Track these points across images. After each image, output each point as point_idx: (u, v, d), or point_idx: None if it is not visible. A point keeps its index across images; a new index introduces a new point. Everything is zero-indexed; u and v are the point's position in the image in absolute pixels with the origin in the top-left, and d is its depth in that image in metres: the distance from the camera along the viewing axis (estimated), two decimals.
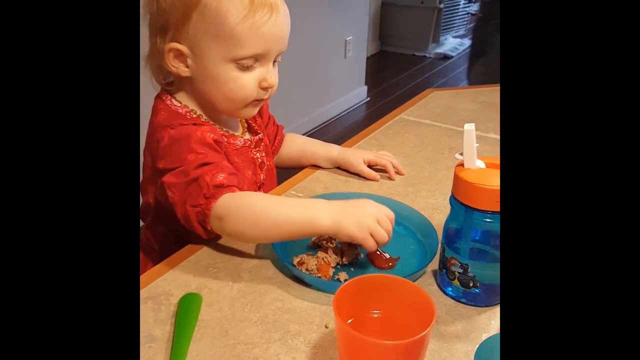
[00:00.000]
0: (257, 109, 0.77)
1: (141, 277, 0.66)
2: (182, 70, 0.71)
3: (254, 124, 0.84)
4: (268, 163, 0.85)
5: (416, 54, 4.01)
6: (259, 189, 0.83)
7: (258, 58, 0.70)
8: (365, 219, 0.63)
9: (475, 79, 1.91)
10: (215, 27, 0.67)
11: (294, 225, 0.64)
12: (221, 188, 0.65)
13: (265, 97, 0.74)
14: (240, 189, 0.67)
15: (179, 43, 0.69)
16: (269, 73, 0.72)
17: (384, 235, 0.64)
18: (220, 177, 0.65)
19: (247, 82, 0.71)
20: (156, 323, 0.58)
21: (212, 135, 0.70)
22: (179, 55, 0.70)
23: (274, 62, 0.73)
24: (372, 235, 0.63)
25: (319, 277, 0.64)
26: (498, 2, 1.72)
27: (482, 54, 1.87)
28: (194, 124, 0.71)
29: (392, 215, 0.66)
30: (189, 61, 0.70)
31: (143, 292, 0.63)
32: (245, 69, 0.70)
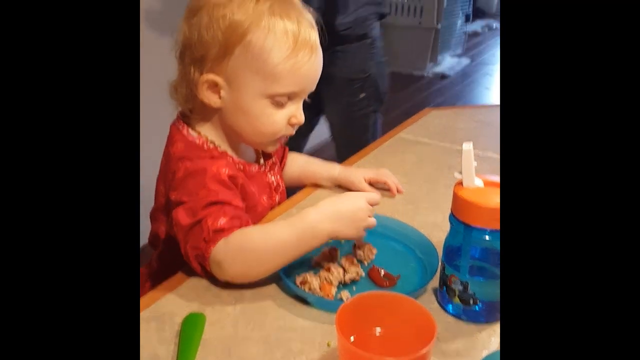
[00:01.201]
0: (279, 144, 0.79)
1: (144, 297, 0.66)
2: (213, 101, 0.71)
3: None
4: (282, 185, 0.86)
5: (414, 73, 4.05)
6: (271, 210, 0.84)
7: (292, 96, 0.72)
8: (360, 222, 0.68)
9: None
10: (257, 64, 0.68)
11: (295, 248, 0.65)
12: (220, 233, 0.64)
13: (292, 133, 0.76)
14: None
15: (216, 75, 0.70)
16: (299, 110, 0.73)
17: (374, 223, 0.69)
18: (222, 222, 0.65)
19: (278, 119, 0.72)
20: (160, 343, 0.59)
21: (227, 171, 0.70)
22: (213, 86, 0.71)
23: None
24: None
25: (322, 296, 0.65)
26: None
27: None
28: (211, 157, 0.72)
29: (377, 198, 0.71)
30: (223, 93, 0.71)
31: (147, 313, 0.63)
32: (279, 105, 0.71)
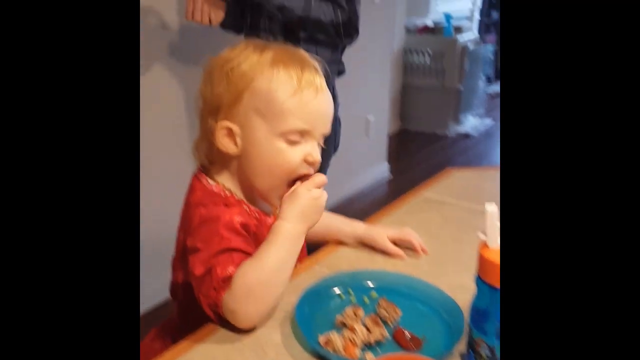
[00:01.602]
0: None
1: (167, 352, 0.66)
2: (231, 148, 0.75)
3: None
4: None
5: (437, 132, 4.09)
6: None
7: (304, 134, 0.74)
8: (321, 206, 0.74)
9: None
10: (265, 105, 0.72)
11: (288, 260, 0.70)
12: (228, 280, 0.67)
13: (310, 172, 0.76)
14: None
15: (231, 122, 0.74)
16: (315, 149, 0.75)
17: (325, 181, 0.75)
18: (230, 270, 0.68)
19: (293, 157, 0.74)
20: None
21: (240, 219, 0.73)
22: (230, 134, 0.74)
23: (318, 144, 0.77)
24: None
25: (346, 357, 0.64)
26: None
27: None
28: (225, 205, 0.74)
29: (323, 179, 0.75)
30: (238, 139, 0.74)
31: None
32: (292, 143, 0.74)
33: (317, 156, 0.75)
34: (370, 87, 3.03)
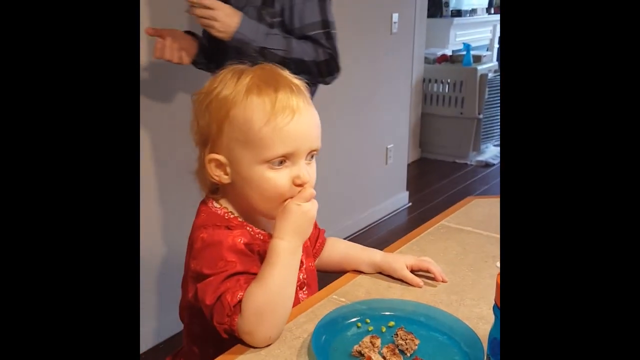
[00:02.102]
0: None
1: None
2: (223, 178, 0.77)
3: None
4: (309, 264, 0.87)
5: (457, 161, 4.07)
6: (300, 289, 0.84)
7: (288, 157, 0.74)
8: (312, 219, 0.74)
9: None
10: (243, 134, 0.73)
11: (290, 274, 0.72)
12: (240, 306, 0.69)
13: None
14: None
15: (217, 153, 0.76)
16: (302, 170, 0.75)
17: (313, 194, 0.74)
18: (239, 296, 0.70)
19: (279, 181, 0.74)
20: None
21: (243, 240, 0.74)
22: (219, 165, 0.76)
23: (312, 157, 0.77)
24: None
25: None
26: None
27: None
28: (228, 227, 0.75)
29: (310, 192, 0.74)
30: (228, 169, 0.76)
31: None
32: (277, 168, 0.74)
33: (304, 177, 0.75)
34: (390, 116, 3.05)
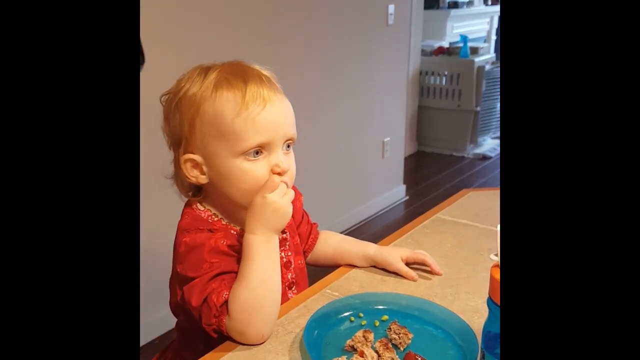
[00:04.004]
0: None
1: None
2: (200, 178, 0.75)
3: None
4: (299, 262, 0.85)
5: (454, 154, 4.06)
6: (289, 288, 0.83)
7: (264, 147, 0.72)
8: (281, 208, 0.71)
9: None
10: (216, 128, 0.72)
11: (271, 267, 0.71)
12: (226, 305, 0.69)
13: (285, 181, 0.74)
14: None
15: (192, 153, 0.74)
16: (279, 159, 0.73)
17: (278, 185, 0.72)
18: (225, 295, 0.69)
19: (258, 172, 0.72)
20: None
21: (225, 242, 0.73)
22: (195, 165, 0.74)
23: (289, 147, 0.76)
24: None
25: None
26: None
27: None
28: (210, 230, 0.74)
29: (277, 182, 0.72)
30: (204, 168, 0.74)
31: None
32: (254, 159, 0.72)
33: (284, 165, 0.73)
34: (386, 109, 3.03)
